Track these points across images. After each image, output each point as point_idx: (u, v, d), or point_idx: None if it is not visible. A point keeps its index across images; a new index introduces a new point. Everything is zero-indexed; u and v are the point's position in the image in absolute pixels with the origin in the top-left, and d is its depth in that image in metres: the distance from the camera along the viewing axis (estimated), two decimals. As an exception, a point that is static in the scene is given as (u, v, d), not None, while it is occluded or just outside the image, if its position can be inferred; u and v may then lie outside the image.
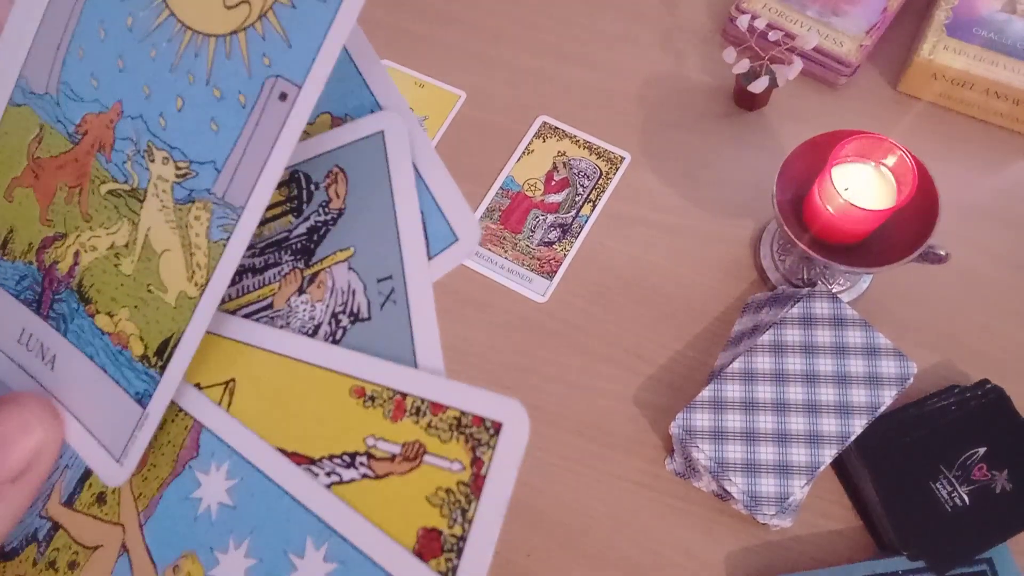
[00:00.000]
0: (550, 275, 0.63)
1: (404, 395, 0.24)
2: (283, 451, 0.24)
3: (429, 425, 0.23)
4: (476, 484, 0.22)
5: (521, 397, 0.62)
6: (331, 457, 0.24)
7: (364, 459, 0.23)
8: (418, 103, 0.71)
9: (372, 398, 0.24)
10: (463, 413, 0.23)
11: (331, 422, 0.24)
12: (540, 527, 0.55)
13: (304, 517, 0.23)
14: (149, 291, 0.26)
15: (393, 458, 0.23)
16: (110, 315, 0.27)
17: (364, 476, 0.23)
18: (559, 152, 0.68)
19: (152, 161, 0.26)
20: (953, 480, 0.52)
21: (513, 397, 0.23)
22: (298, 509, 0.23)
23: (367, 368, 0.24)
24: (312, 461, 0.24)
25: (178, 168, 0.26)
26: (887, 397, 0.51)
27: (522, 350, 0.61)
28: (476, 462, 0.22)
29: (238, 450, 0.25)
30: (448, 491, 0.22)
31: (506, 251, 0.64)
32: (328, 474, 0.23)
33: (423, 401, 0.23)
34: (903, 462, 0.53)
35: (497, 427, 0.22)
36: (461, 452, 0.22)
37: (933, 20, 0.66)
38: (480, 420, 0.23)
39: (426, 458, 0.23)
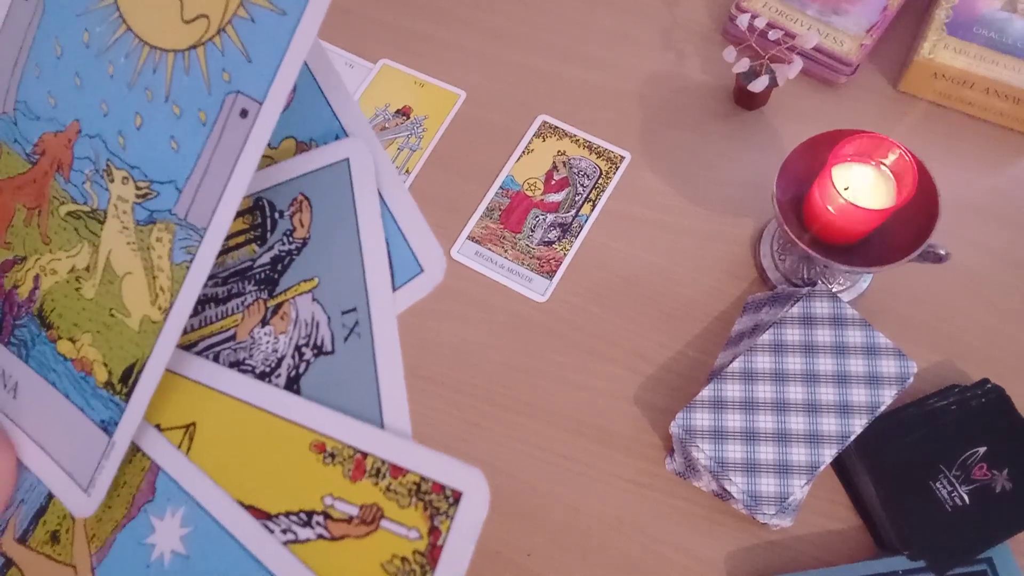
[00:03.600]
0: (550, 275, 0.63)
1: (365, 454, 0.23)
2: (240, 503, 0.24)
3: (388, 488, 0.23)
4: (432, 554, 0.22)
5: (521, 396, 0.62)
6: (288, 514, 0.23)
7: (321, 519, 0.23)
8: (418, 103, 0.71)
9: (332, 455, 0.23)
10: (423, 479, 0.22)
11: (290, 477, 0.24)
12: (540, 527, 0.55)
13: (258, 572, 0.23)
14: (112, 315, 0.25)
15: (350, 520, 0.23)
16: (72, 340, 0.26)
17: (320, 536, 0.23)
18: (559, 151, 0.68)
19: (112, 181, 0.25)
20: (953, 480, 0.52)
21: (474, 465, 0.22)
22: (252, 563, 0.23)
23: (329, 423, 0.24)
24: (269, 516, 0.23)
25: (138, 188, 0.25)
26: (887, 397, 0.51)
27: (522, 350, 0.61)
28: (433, 531, 0.22)
29: (194, 496, 0.24)
30: (404, 559, 0.22)
31: (506, 250, 0.64)
32: (284, 531, 0.23)
33: (384, 463, 0.23)
34: (903, 462, 0.53)
35: (457, 496, 0.22)
36: (419, 520, 0.22)
37: (933, 19, 0.66)
38: (440, 487, 0.22)
39: (383, 523, 0.22)
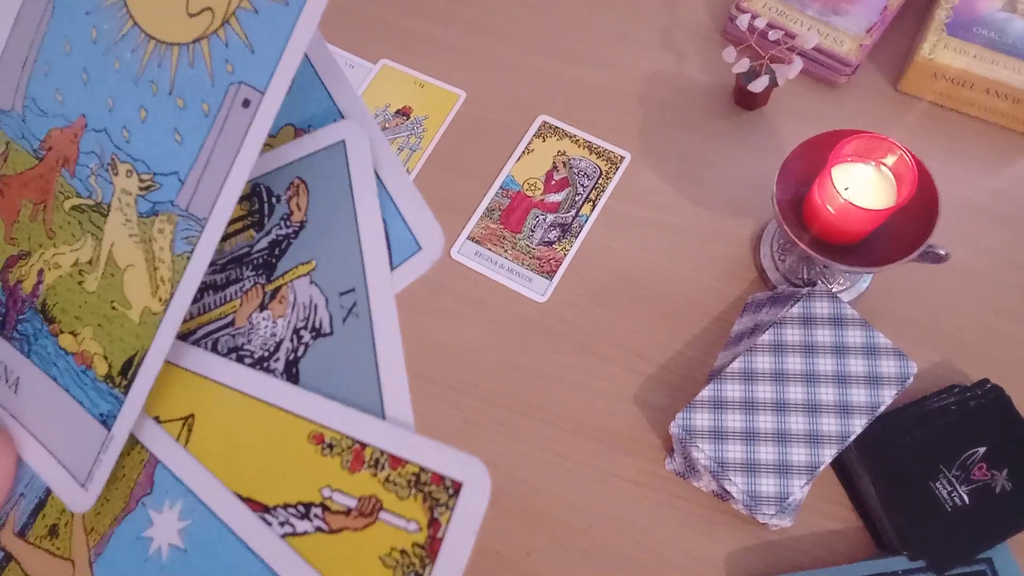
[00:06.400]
0: (550, 275, 0.63)
1: (364, 445, 0.23)
2: (238, 496, 0.23)
3: (387, 479, 0.22)
4: (432, 547, 0.21)
5: (521, 396, 0.63)
6: (286, 506, 0.23)
7: (319, 511, 0.23)
8: (418, 103, 0.71)
9: (331, 446, 0.23)
10: (423, 469, 0.22)
11: (288, 468, 0.23)
12: (540, 527, 0.55)
13: (255, 567, 0.23)
14: (113, 308, 0.26)
15: (348, 512, 0.22)
16: (74, 334, 0.26)
17: (318, 529, 0.23)
18: (559, 151, 0.68)
19: (116, 174, 0.26)
20: (953, 480, 0.52)
21: (474, 455, 0.22)
22: (250, 558, 0.23)
23: (327, 413, 0.24)
24: (267, 509, 0.23)
25: (141, 181, 0.25)
26: (887, 397, 0.51)
27: (522, 350, 0.61)
28: (433, 523, 0.22)
29: (192, 489, 0.24)
30: (403, 552, 0.21)
31: (506, 251, 0.64)
32: (282, 524, 0.23)
33: (383, 453, 0.23)
34: (903, 462, 0.53)
35: (457, 487, 0.22)
36: (418, 511, 0.22)
37: (933, 19, 0.66)
38: (440, 478, 0.22)
39: (382, 515, 0.22)
